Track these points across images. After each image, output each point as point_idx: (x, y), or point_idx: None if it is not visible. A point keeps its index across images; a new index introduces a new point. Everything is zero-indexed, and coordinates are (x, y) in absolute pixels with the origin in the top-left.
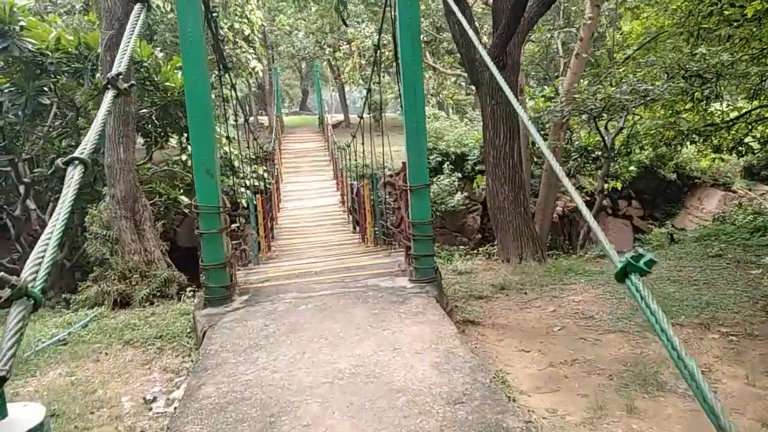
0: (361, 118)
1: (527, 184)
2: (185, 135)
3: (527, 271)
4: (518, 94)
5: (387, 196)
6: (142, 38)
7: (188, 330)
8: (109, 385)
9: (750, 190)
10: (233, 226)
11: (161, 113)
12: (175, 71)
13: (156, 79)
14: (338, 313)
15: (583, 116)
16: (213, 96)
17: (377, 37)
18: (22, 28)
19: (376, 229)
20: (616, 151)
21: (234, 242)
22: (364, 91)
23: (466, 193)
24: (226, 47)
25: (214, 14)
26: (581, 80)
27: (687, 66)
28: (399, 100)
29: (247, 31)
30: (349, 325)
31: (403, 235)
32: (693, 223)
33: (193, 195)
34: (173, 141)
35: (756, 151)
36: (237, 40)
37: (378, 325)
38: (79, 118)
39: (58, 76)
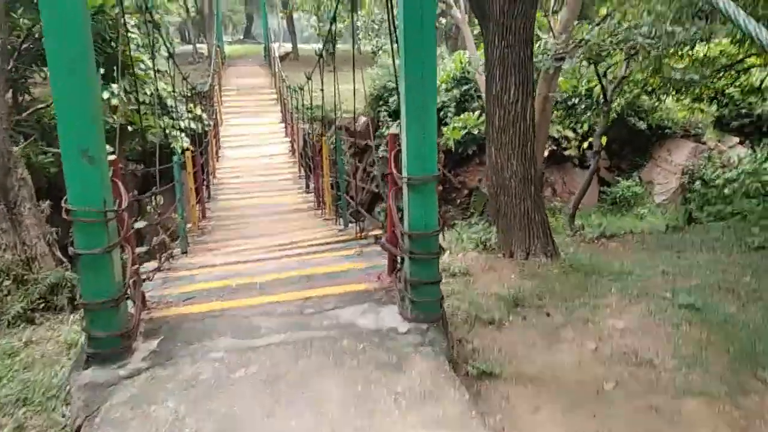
0: (320, 56)
1: (540, 155)
2: None
3: (540, 273)
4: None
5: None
6: None
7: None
8: None
9: (719, 141)
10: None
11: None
12: None
13: None
14: (297, 391)
15: (581, 61)
16: (133, 21)
17: None
18: None
19: (339, 203)
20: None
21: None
22: (314, 19)
23: None
24: None
25: None
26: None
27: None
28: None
29: None
30: (318, 425)
31: (389, 242)
32: (660, 176)
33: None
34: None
35: (738, 102)
36: None
37: (365, 423)
38: None
39: None
